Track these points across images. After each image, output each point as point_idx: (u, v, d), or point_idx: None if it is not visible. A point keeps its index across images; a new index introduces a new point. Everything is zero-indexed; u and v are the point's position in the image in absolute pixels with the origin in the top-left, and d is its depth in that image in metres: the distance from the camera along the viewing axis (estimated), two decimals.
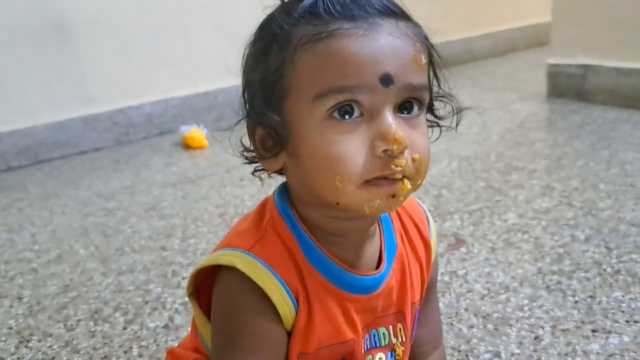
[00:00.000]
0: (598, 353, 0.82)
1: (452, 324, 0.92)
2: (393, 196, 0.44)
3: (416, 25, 0.47)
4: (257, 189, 1.66)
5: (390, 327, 0.56)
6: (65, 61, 2.27)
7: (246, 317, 0.47)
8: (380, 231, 0.55)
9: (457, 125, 0.54)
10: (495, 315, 0.94)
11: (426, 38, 0.48)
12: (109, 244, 1.40)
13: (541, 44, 3.25)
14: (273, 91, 0.46)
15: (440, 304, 0.98)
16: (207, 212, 1.53)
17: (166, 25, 2.41)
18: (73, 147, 2.35)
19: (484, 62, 3.28)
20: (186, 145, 2.23)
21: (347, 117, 0.43)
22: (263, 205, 0.53)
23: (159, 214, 1.56)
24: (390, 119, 0.43)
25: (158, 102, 2.49)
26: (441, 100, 0.54)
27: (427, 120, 0.53)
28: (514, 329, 0.90)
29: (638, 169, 1.47)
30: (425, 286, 0.60)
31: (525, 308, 0.95)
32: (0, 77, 2.16)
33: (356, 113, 0.43)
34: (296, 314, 0.48)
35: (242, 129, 0.52)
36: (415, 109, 0.46)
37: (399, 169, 0.43)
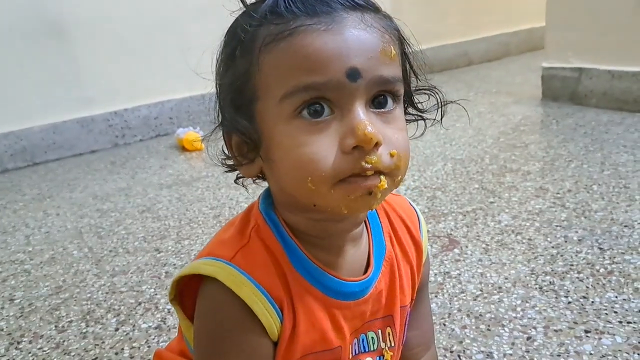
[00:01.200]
0: (591, 354, 0.82)
1: (444, 325, 0.92)
2: (370, 193, 0.42)
3: (386, 16, 0.46)
4: (252, 190, 1.66)
5: (379, 331, 0.55)
6: (62, 63, 2.27)
7: (231, 334, 0.46)
8: (368, 234, 0.54)
9: (442, 117, 0.52)
10: (488, 315, 0.94)
11: (397, 30, 0.47)
12: (103, 245, 1.40)
13: (535, 48, 3.27)
14: (242, 96, 0.45)
15: (433, 305, 0.98)
16: (202, 213, 1.53)
17: (162, 27, 2.42)
18: (69, 149, 2.35)
19: (479, 67, 3.30)
20: (182, 148, 2.24)
21: (317, 116, 0.42)
22: (248, 212, 0.52)
23: (153, 216, 1.56)
24: (360, 114, 0.41)
25: (154, 104, 2.49)
26: (425, 93, 0.52)
27: (410, 114, 0.52)
28: (506, 329, 0.90)
29: (631, 170, 1.48)
30: (417, 288, 0.60)
31: (518, 309, 0.95)
32: None
33: (326, 111, 0.42)
34: (281, 323, 0.47)
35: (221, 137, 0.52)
36: (390, 102, 0.44)
37: (370, 165, 0.41)
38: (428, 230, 1.25)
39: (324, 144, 0.41)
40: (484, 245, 1.17)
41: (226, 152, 0.51)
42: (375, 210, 0.55)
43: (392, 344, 0.56)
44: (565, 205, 1.32)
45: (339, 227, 0.49)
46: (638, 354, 0.81)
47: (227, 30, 0.48)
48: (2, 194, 1.92)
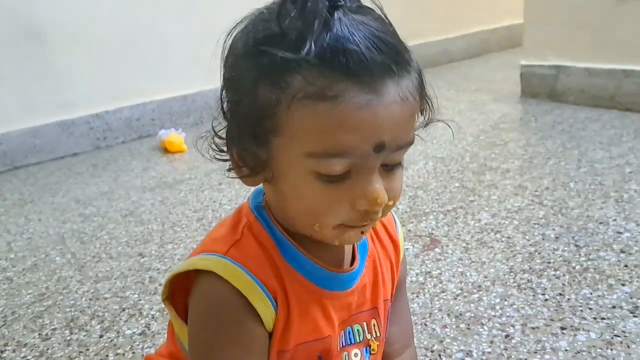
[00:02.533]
0: (566, 350, 0.85)
1: (426, 324, 0.94)
2: (362, 232, 0.48)
3: (414, 69, 0.44)
4: (235, 192, 1.66)
5: (365, 323, 0.57)
6: (41, 66, 2.24)
7: (230, 325, 0.47)
8: None
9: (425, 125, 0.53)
10: (467, 314, 0.96)
11: (421, 75, 0.46)
12: (86, 250, 1.39)
13: (515, 45, 3.30)
14: (261, 124, 0.44)
15: (415, 305, 1.00)
16: (185, 216, 1.53)
17: (142, 29, 2.40)
18: (49, 152, 2.32)
19: (459, 64, 3.33)
20: (165, 150, 2.22)
21: (335, 178, 0.44)
22: (239, 212, 0.54)
23: (136, 220, 1.55)
24: (375, 182, 0.44)
25: (136, 106, 2.47)
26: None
27: None
28: (485, 327, 0.92)
29: (607, 167, 1.51)
30: (395, 284, 0.62)
31: (497, 307, 0.97)
32: None
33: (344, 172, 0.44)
34: (276, 314, 0.49)
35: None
36: (397, 162, 0.46)
37: (374, 221, 0.47)
38: (410, 230, 1.28)
39: (337, 199, 0.44)
40: (464, 244, 1.19)
41: (220, 144, 0.50)
42: None
43: (378, 334, 0.58)
44: (543, 203, 1.34)
45: None
46: (611, 349, 0.84)
47: (252, 26, 0.45)
48: None
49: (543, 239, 1.18)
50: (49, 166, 2.23)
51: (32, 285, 1.24)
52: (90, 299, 1.14)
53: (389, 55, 0.41)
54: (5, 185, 2.04)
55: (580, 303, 0.95)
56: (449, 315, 0.96)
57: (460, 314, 0.96)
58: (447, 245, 1.20)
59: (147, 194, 1.76)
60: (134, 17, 2.37)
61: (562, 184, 1.44)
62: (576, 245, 1.14)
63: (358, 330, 0.56)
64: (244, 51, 0.44)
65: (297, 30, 0.41)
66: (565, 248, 1.13)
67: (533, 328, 0.90)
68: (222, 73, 0.48)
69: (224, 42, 0.47)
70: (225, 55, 0.47)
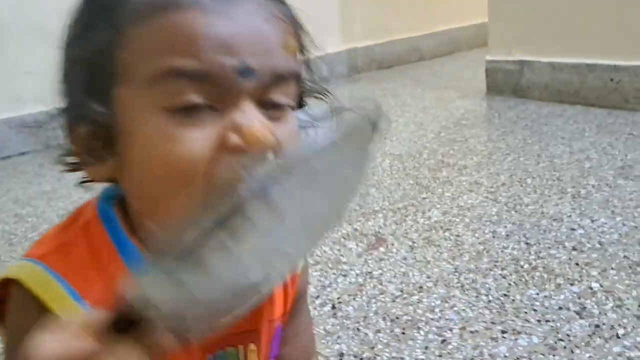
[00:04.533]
0: (505, 356, 0.78)
1: (358, 330, 0.86)
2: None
3: (283, 3, 0.39)
4: None
5: (241, 347, 0.48)
6: None
7: (26, 334, 0.39)
8: None
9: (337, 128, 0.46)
10: (404, 318, 0.88)
11: (297, 19, 0.40)
12: (12, 253, 1.29)
13: (485, 43, 3.27)
14: (98, 76, 0.37)
15: (350, 308, 0.92)
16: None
17: None
18: None
19: (430, 62, 3.28)
20: None
21: (192, 112, 0.34)
22: (80, 209, 0.45)
23: None
24: (252, 113, 0.34)
25: None
26: (316, 97, 0.45)
27: (298, 119, 0.44)
28: (421, 332, 0.84)
29: (566, 162, 1.46)
30: (290, 300, 0.53)
31: (437, 309, 0.90)
32: None
33: (205, 109, 0.34)
34: None
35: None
36: (283, 101, 0.37)
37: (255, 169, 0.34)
38: (356, 229, 1.21)
39: (200, 138, 0.34)
40: (410, 243, 1.12)
41: (67, 146, 0.43)
42: None
43: None
44: (497, 200, 1.28)
45: None
46: (553, 355, 0.77)
47: None
48: None
49: (493, 237, 1.11)
50: None
51: None
52: None
53: None
54: None
55: (525, 304, 0.89)
56: (384, 319, 0.88)
57: (397, 318, 0.88)
58: (393, 244, 1.12)
59: (89, 193, 1.66)
60: None
61: (519, 180, 1.38)
62: (527, 243, 1.07)
63: (232, 354, 0.47)
64: (80, 4, 0.39)
65: None
66: (515, 246, 1.07)
67: (472, 332, 0.83)
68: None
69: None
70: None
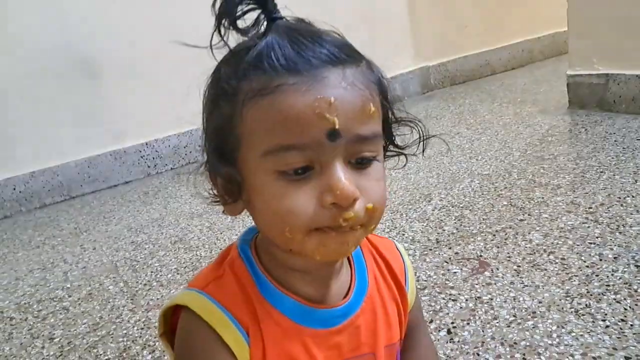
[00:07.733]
0: None
1: (478, 355, 0.91)
2: (342, 244, 0.45)
3: (368, 67, 0.46)
4: None
5: None
6: (93, 100, 2.36)
7: (201, 356, 0.48)
8: (351, 269, 0.55)
9: (423, 151, 0.54)
10: (522, 343, 0.92)
11: (378, 81, 0.47)
12: (138, 279, 1.43)
13: (560, 53, 3.21)
14: (226, 142, 0.46)
15: (466, 333, 0.97)
16: (231, 242, 1.55)
17: (190, 61, 2.47)
18: (103, 181, 2.42)
19: (502, 76, 3.26)
20: None
21: (298, 174, 0.43)
22: (228, 248, 0.55)
23: (185, 246, 1.59)
24: (338, 172, 0.43)
25: (183, 133, 2.55)
26: (408, 125, 0.54)
27: (390, 150, 0.54)
28: (542, 357, 0.88)
29: None
30: (404, 327, 0.60)
31: (554, 335, 0.93)
32: (32, 117, 2.26)
33: (307, 169, 0.44)
34: (249, 348, 0.49)
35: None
36: (368, 155, 0.45)
37: (346, 223, 0.43)
38: (457, 253, 1.25)
39: (303, 196, 0.43)
40: (515, 267, 1.15)
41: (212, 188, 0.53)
42: (360, 247, 0.57)
43: None
44: (598, 221, 1.28)
45: (318, 262, 0.50)
46: None
47: (212, 75, 0.49)
48: (42, 230, 1.99)
49: (600, 260, 1.12)
50: (103, 195, 2.33)
51: (87, 314, 1.28)
52: (142, 328, 1.17)
53: (330, 47, 0.43)
54: (62, 215, 2.14)
55: None
56: (502, 344, 0.93)
57: (515, 343, 0.92)
58: (497, 268, 1.16)
59: (195, 220, 1.80)
60: (179, 49, 2.45)
61: (618, 199, 1.38)
62: (637, 266, 1.08)
63: None
64: (210, 80, 0.49)
65: (243, 45, 0.45)
66: (625, 269, 1.07)
67: (594, 358, 0.86)
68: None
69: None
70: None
